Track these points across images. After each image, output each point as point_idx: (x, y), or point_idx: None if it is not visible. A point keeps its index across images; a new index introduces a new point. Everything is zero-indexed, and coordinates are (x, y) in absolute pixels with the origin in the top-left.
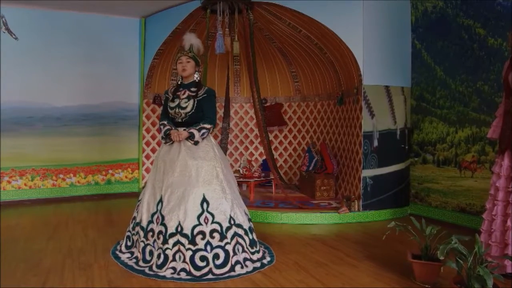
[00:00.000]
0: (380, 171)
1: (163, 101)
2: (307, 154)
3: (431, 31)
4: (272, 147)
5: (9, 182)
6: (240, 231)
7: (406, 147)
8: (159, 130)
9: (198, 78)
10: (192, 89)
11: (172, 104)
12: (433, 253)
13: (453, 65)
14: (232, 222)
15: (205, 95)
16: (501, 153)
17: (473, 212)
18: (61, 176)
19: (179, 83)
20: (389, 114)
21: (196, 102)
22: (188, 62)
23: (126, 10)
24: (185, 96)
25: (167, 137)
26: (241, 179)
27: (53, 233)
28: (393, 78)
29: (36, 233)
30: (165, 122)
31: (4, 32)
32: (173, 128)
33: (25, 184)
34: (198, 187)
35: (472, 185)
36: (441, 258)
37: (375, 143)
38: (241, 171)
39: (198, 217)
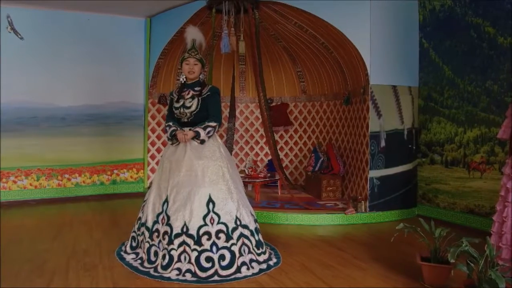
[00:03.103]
0: (387, 172)
1: (168, 102)
2: (313, 154)
3: (439, 30)
4: (278, 147)
5: (14, 182)
6: (246, 232)
7: (414, 147)
8: (164, 131)
9: (203, 79)
10: (196, 88)
11: (177, 105)
12: (443, 256)
13: (461, 65)
14: (238, 222)
15: (209, 93)
16: None
17: (482, 214)
18: (66, 176)
19: (182, 82)
20: (397, 114)
21: (200, 101)
22: (196, 64)
23: (131, 10)
24: (189, 96)
25: (173, 138)
26: (247, 180)
27: (58, 234)
28: (400, 77)
29: (41, 233)
30: (171, 123)
31: (10, 32)
32: (178, 128)
33: (31, 184)
34: (204, 187)
35: (481, 186)
36: (452, 261)
37: (382, 144)
38: (246, 171)
39: (204, 217)
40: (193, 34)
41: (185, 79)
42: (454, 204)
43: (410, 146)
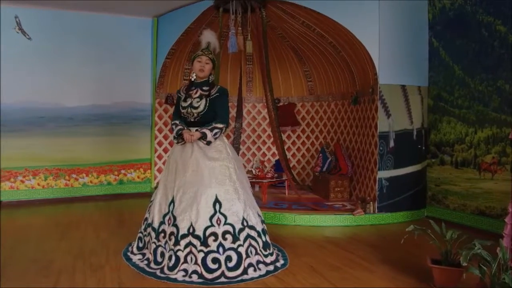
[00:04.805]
0: (396, 173)
1: (175, 101)
2: (321, 154)
3: (449, 29)
4: (285, 148)
5: (22, 181)
6: (253, 233)
7: (423, 147)
8: (171, 130)
9: (212, 79)
10: (205, 88)
11: (184, 104)
12: (454, 258)
13: (472, 64)
14: (245, 223)
15: (217, 94)
16: None
17: (493, 215)
18: (74, 176)
19: (192, 80)
20: (406, 114)
21: (208, 101)
22: (207, 63)
23: (138, 10)
24: (197, 95)
25: (179, 137)
26: (254, 180)
27: (65, 234)
28: (409, 77)
29: (48, 233)
30: (177, 122)
31: (17, 33)
32: (185, 128)
33: (39, 184)
34: (210, 187)
35: (492, 187)
36: (464, 264)
37: (391, 144)
38: (253, 171)
39: (211, 218)
40: (209, 37)
41: (194, 77)
42: (464, 205)
43: (419, 146)
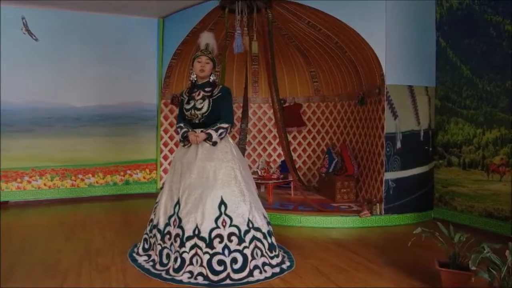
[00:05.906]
0: (403, 174)
1: (179, 103)
2: (326, 155)
3: (457, 29)
4: (291, 148)
5: (29, 182)
6: (259, 235)
7: (430, 149)
8: (176, 132)
9: (214, 79)
10: (207, 89)
11: (187, 106)
12: (462, 262)
13: (480, 64)
14: (251, 225)
15: (220, 94)
16: None
17: (501, 218)
18: (80, 176)
19: (193, 82)
20: (413, 114)
21: (211, 102)
22: (207, 63)
23: (144, 11)
24: (200, 96)
25: (185, 140)
26: (259, 181)
27: (71, 234)
28: (416, 77)
29: (54, 233)
30: (182, 125)
31: (24, 33)
32: (190, 130)
33: (45, 184)
34: (216, 189)
35: (501, 189)
36: (473, 268)
37: (398, 145)
38: (259, 172)
39: (216, 220)
40: (207, 39)
41: (195, 79)
42: (472, 207)
43: (426, 147)
